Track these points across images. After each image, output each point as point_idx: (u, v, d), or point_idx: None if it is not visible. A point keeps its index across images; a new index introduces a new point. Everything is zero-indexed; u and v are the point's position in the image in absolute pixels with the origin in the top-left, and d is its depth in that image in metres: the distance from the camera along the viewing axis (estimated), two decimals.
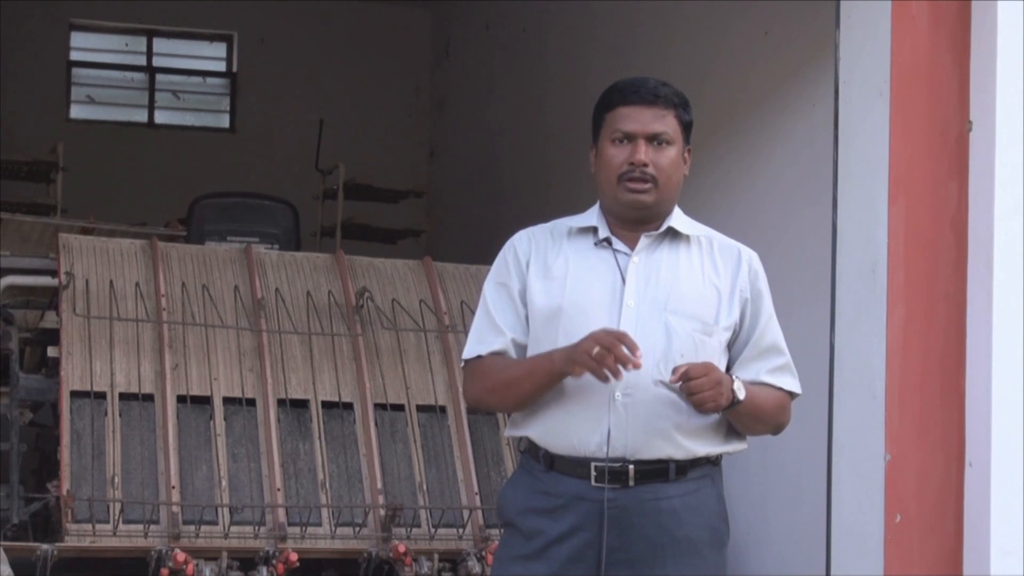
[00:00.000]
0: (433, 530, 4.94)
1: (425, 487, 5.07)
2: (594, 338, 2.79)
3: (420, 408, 5.25)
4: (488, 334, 3.03)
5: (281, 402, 5.14)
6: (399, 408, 5.25)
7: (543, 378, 2.93)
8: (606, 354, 2.76)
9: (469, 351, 3.06)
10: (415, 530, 4.93)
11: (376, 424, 5.16)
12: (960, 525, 3.68)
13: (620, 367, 2.77)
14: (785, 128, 5.26)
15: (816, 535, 3.96)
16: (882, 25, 3.73)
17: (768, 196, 5.38)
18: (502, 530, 3.15)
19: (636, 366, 2.77)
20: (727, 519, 3.06)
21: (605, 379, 2.80)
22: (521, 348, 3.02)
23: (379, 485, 4.99)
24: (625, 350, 2.76)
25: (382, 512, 4.88)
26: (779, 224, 5.27)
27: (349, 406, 5.21)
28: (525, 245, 3.07)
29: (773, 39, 5.40)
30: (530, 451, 3.03)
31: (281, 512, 4.83)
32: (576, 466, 2.93)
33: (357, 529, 4.90)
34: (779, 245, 5.25)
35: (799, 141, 5.12)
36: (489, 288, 3.09)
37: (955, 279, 3.73)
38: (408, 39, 11.28)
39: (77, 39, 11.19)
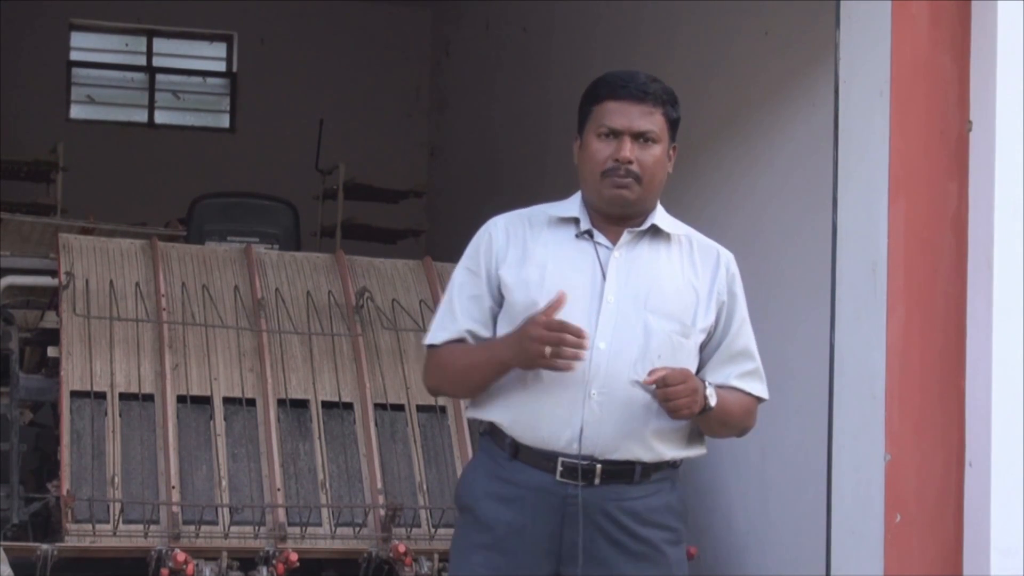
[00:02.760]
0: (433, 530, 4.94)
1: (425, 487, 5.07)
2: (539, 338, 2.78)
3: (420, 408, 5.25)
4: (447, 322, 3.03)
5: (281, 402, 5.14)
6: (399, 408, 5.24)
7: (490, 371, 2.94)
8: (560, 351, 2.77)
9: (428, 337, 3.06)
10: (415, 530, 4.92)
11: (376, 424, 5.16)
12: (960, 525, 3.68)
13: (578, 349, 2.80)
14: (785, 128, 5.26)
15: (816, 535, 3.97)
16: (882, 25, 3.73)
17: (769, 196, 5.38)
18: (457, 515, 3.09)
19: (586, 347, 2.80)
20: (686, 519, 3.05)
21: (570, 368, 2.81)
22: (479, 340, 3.00)
23: (379, 485, 4.99)
24: (570, 338, 2.77)
25: (382, 512, 4.88)
26: (780, 224, 5.27)
27: (349, 406, 5.20)
28: (501, 234, 3.02)
29: (773, 39, 5.40)
30: (493, 436, 2.99)
31: (281, 512, 4.83)
32: (542, 459, 2.91)
33: (357, 529, 4.90)
34: (780, 245, 5.25)
35: (799, 141, 5.12)
36: (458, 273, 3.06)
37: (955, 279, 3.73)
38: (408, 39, 11.28)
39: (77, 39, 11.19)
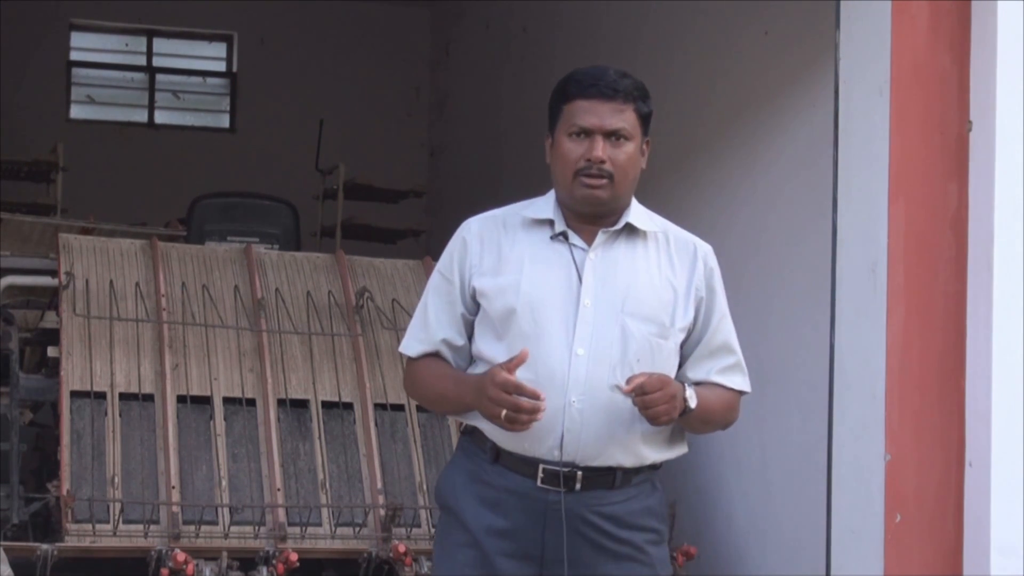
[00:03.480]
0: (433, 530, 4.94)
1: (425, 487, 5.07)
2: (495, 399, 2.75)
3: (420, 408, 5.25)
4: (421, 332, 3.02)
5: (281, 402, 5.14)
6: (399, 408, 5.24)
7: (459, 407, 2.96)
8: (515, 416, 2.74)
9: (403, 345, 3.05)
10: (415, 530, 4.93)
11: (376, 424, 5.16)
12: (960, 525, 3.69)
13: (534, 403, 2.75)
14: (786, 129, 5.26)
15: (816, 535, 3.97)
16: (882, 25, 3.73)
17: (769, 196, 5.38)
18: (439, 514, 3.09)
19: (543, 409, 2.75)
20: (666, 519, 3.04)
21: (525, 429, 2.78)
22: (455, 349, 2.99)
23: (379, 485, 4.99)
24: (526, 401, 2.73)
25: (382, 512, 4.88)
26: (781, 224, 5.27)
27: (349, 406, 5.21)
28: (475, 241, 2.99)
29: (773, 39, 5.40)
30: (474, 437, 2.97)
31: (281, 512, 4.83)
32: (523, 464, 2.89)
33: (357, 529, 4.90)
34: (781, 245, 5.25)
35: (799, 141, 5.12)
36: (433, 277, 3.05)
37: (955, 279, 3.73)
38: (408, 39, 11.28)
39: (77, 39, 11.19)
